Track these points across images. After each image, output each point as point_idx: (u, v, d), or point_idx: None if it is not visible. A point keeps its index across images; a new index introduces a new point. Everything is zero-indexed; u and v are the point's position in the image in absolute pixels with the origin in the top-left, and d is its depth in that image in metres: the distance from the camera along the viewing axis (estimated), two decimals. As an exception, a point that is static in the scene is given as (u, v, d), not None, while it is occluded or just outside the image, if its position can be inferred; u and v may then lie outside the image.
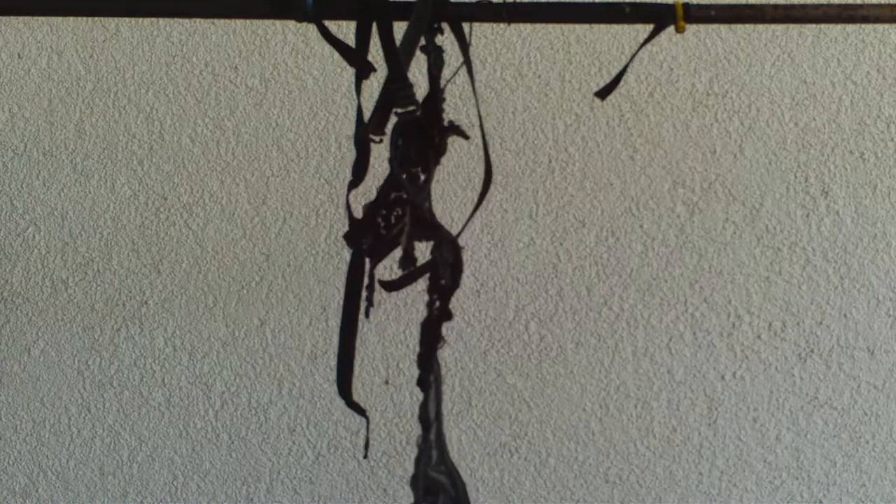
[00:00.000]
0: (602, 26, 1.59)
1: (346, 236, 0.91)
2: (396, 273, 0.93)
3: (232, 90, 1.68)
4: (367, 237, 0.91)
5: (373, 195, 0.94)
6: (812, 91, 1.62)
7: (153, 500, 1.71)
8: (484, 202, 0.98)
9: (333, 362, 1.66)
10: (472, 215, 0.97)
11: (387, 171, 0.91)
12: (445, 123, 0.93)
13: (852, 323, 1.62)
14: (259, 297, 1.68)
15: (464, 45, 0.93)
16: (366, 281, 0.92)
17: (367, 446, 1.05)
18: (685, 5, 0.94)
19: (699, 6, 0.95)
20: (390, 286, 0.93)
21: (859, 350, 1.62)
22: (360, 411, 0.96)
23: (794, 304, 1.62)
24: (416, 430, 0.97)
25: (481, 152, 1.66)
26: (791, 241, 1.62)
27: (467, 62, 0.94)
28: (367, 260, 0.92)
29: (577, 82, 1.64)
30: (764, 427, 1.64)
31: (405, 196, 0.90)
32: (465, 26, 0.95)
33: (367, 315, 0.93)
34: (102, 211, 1.69)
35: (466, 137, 0.94)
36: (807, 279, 1.62)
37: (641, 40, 0.97)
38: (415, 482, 0.94)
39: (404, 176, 0.91)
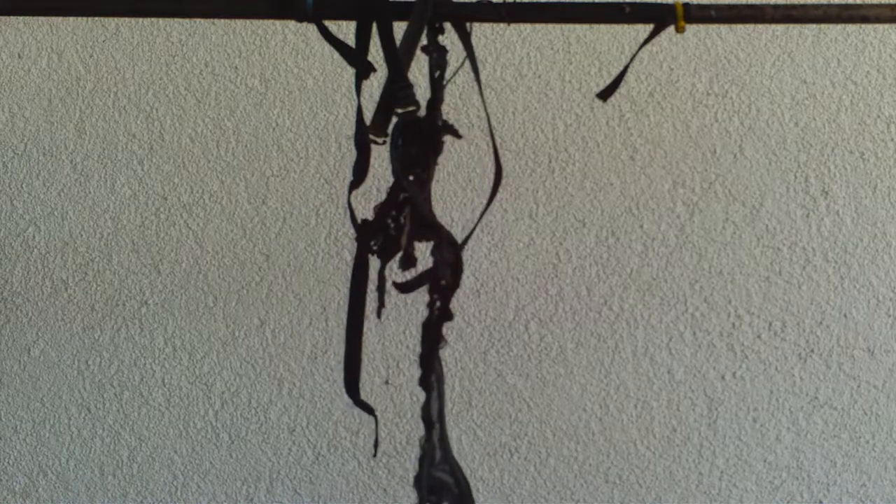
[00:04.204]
0: (602, 26, 1.59)
1: (357, 237, 0.91)
2: (397, 273, 0.93)
3: (232, 90, 1.68)
4: (377, 238, 0.91)
5: (373, 195, 0.94)
6: (812, 91, 1.62)
7: (153, 500, 1.72)
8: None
9: (333, 362, 1.67)
10: (482, 216, 0.97)
11: (387, 172, 0.91)
12: (440, 123, 0.93)
13: (852, 323, 1.62)
14: (259, 297, 1.68)
15: (468, 45, 0.93)
16: (377, 282, 0.92)
17: (376, 445, 1.06)
18: (685, 5, 0.94)
19: (699, 6, 0.95)
20: (404, 287, 0.93)
21: (859, 350, 1.62)
22: (369, 410, 0.96)
23: (794, 304, 1.62)
24: (417, 429, 0.97)
25: (481, 152, 1.67)
26: (791, 241, 1.62)
27: (472, 61, 0.94)
28: (379, 261, 0.92)
29: (577, 82, 1.64)
30: (764, 427, 1.64)
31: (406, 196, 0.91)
32: (465, 26, 0.95)
33: (378, 316, 0.93)
34: (102, 211, 1.69)
35: (459, 137, 0.94)
36: (807, 279, 1.62)
37: (641, 40, 0.97)
38: (418, 482, 0.94)
39: (407, 176, 0.91)
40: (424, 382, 0.95)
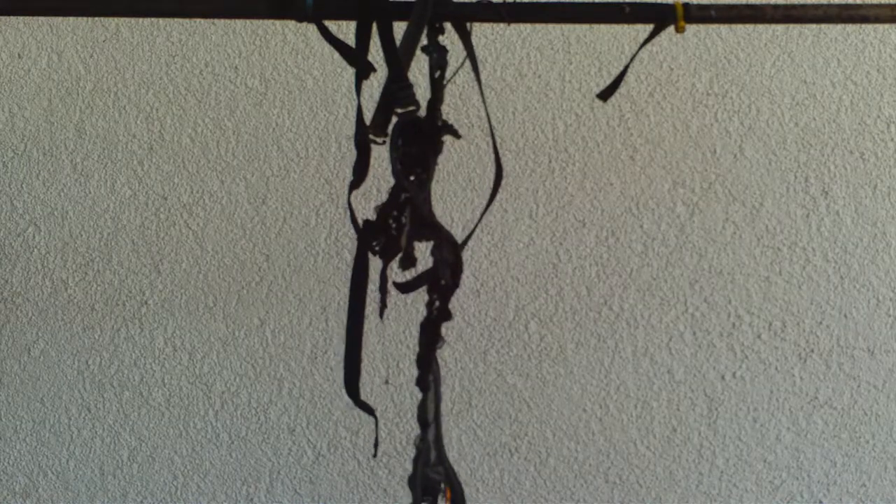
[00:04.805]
0: (602, 26, 1.59)
1: (358, 238, 0.91)
2: (397, 273, 0.93)
3: (232, 90, 1.68)
4: (378, 238, 0.91)
5: (373, 195, 0.94)
6: (812, 91, 1.62)
7: (153, 500, 1.72)
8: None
9: (333, 362, 1.67)
10: (482, 215, 0.97)
11: (387, 172, 0.91)
12: (440, 123, 0.93)
13: (852, 323, 1.62)
14: (259, 297, 1.68)
15: (468, 45, 0.93)
16: (378, 282, 0.92)
17: (376, 445, 1.06)
18: (685, 5, 0.94)
19: (699, 6, 0.95)
20: (405, 287, 0.93)
21: (859, 350, 1.62)
22: (369, 410, 0.96)
23: (794, 304, 1.62)
24: (417, 430, 0.97)
25: (481, 152, 1.67)
26: (791, 241, 1.62)
27: (472, 61, 0.94)
28: (379, 261, 0.92)
29: (577, 82, 1.64)
30: (764, 427, 1.64)
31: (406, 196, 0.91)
32: (465, 26, 0.95)
33: (381, 316, 0.93)
34: (102, 211, 1.69)
35: (459, 137, 0.94)
36: (807, 279, 1.62)
37: (641, 40, 0.97)
38: (413, 482, 0.94)
39: (407, 176, 0.91)
40: (421, 382, 0.95)
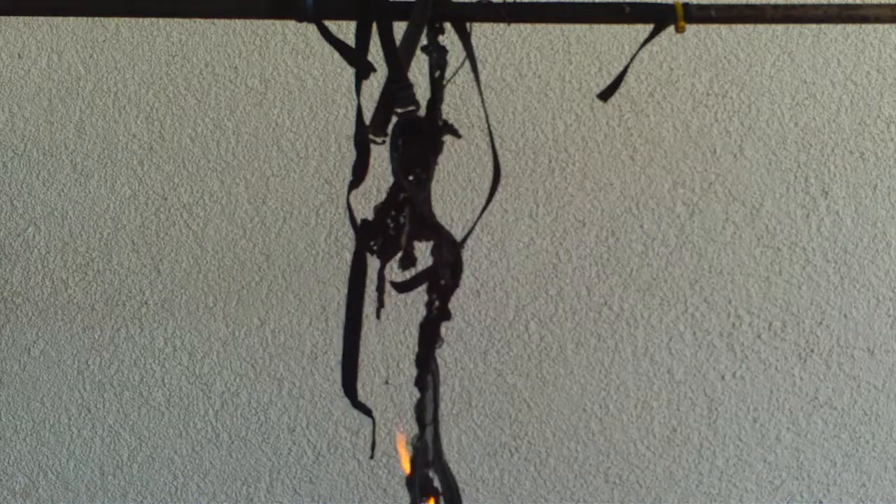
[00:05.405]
0: (602, 26, 1.59)
1: (357, 238, 0.91)
2: (397, 273, 0.93)
3: (232, 90, 1.68)
4: (377, 238, 0.91)
5: (373, 195, 0.94)
6: (812, 91, 1.62)
7: (153, 500, 1.72)
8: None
9: (333, 362, 1.67)
10: (480, 215, 0.97)
11: (387, 172, 0.91)
12: (440, 123, 0.93)
13: (852, 323, 1.62)
14: (259, 297, 1.68)
15: (468, 45, 0.93)
16: (376, 282, 0.92)
17: (373, 447, 1.05)
18: (685, 5, 0.94)
19: (699, 6, 0.95)
20: (402, 287, 0.93)
21: (859, 350, 1.62)
22: (367, 411, 0.96)
23: (794, 304, 1.62)
24: (417, 430, 0.97)
25: (481, 152, 1.67)
26: (791, 241, 1.62)
27: (472, 61, 0.94)
28: (378, 261, 0.92)
29: (577, 82, 1.64)
30: (764, 427, 1.64)
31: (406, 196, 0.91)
32: (465, 26, 0.95)
33: (378, 316, 0.93)
34: (102, 211, 1.69)
35: (459, 136, 0.93)
36: (807, 279, 1.62)
37: (641, 40, 0.97)
38: (410, 483, 0.94)
39: (407, 176, 0.91)
40: (420, 382, 0.95)
